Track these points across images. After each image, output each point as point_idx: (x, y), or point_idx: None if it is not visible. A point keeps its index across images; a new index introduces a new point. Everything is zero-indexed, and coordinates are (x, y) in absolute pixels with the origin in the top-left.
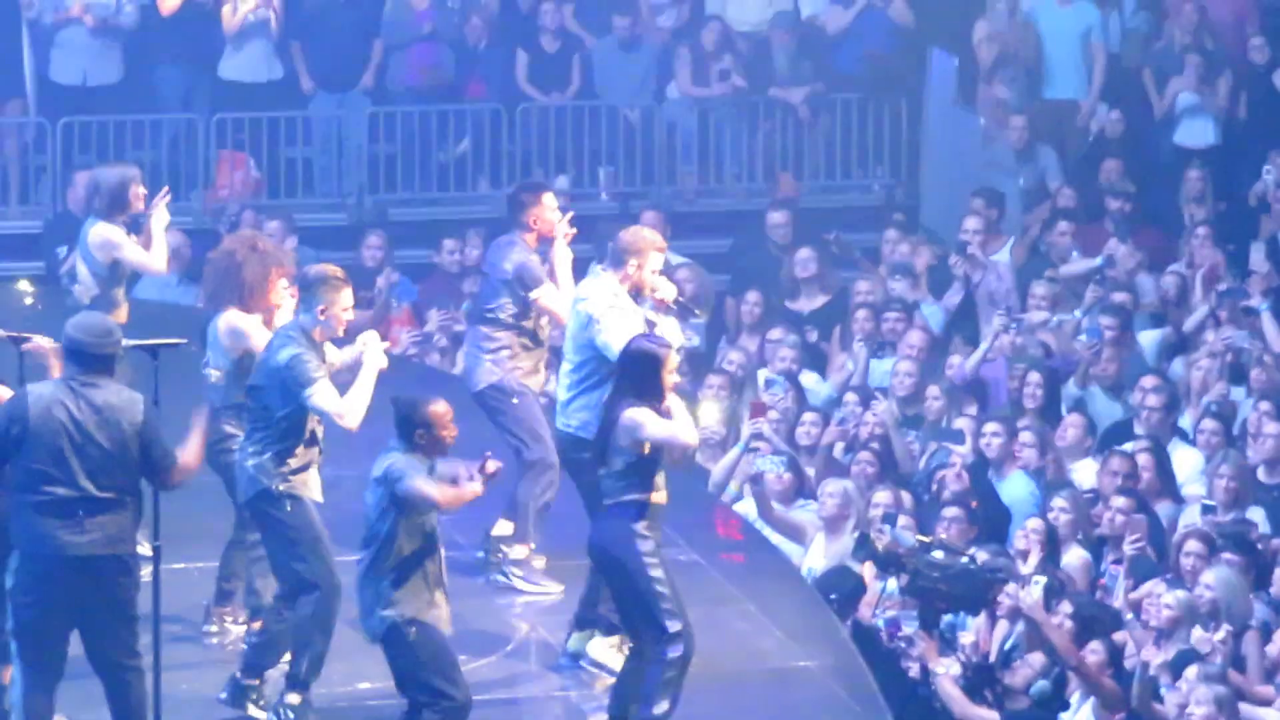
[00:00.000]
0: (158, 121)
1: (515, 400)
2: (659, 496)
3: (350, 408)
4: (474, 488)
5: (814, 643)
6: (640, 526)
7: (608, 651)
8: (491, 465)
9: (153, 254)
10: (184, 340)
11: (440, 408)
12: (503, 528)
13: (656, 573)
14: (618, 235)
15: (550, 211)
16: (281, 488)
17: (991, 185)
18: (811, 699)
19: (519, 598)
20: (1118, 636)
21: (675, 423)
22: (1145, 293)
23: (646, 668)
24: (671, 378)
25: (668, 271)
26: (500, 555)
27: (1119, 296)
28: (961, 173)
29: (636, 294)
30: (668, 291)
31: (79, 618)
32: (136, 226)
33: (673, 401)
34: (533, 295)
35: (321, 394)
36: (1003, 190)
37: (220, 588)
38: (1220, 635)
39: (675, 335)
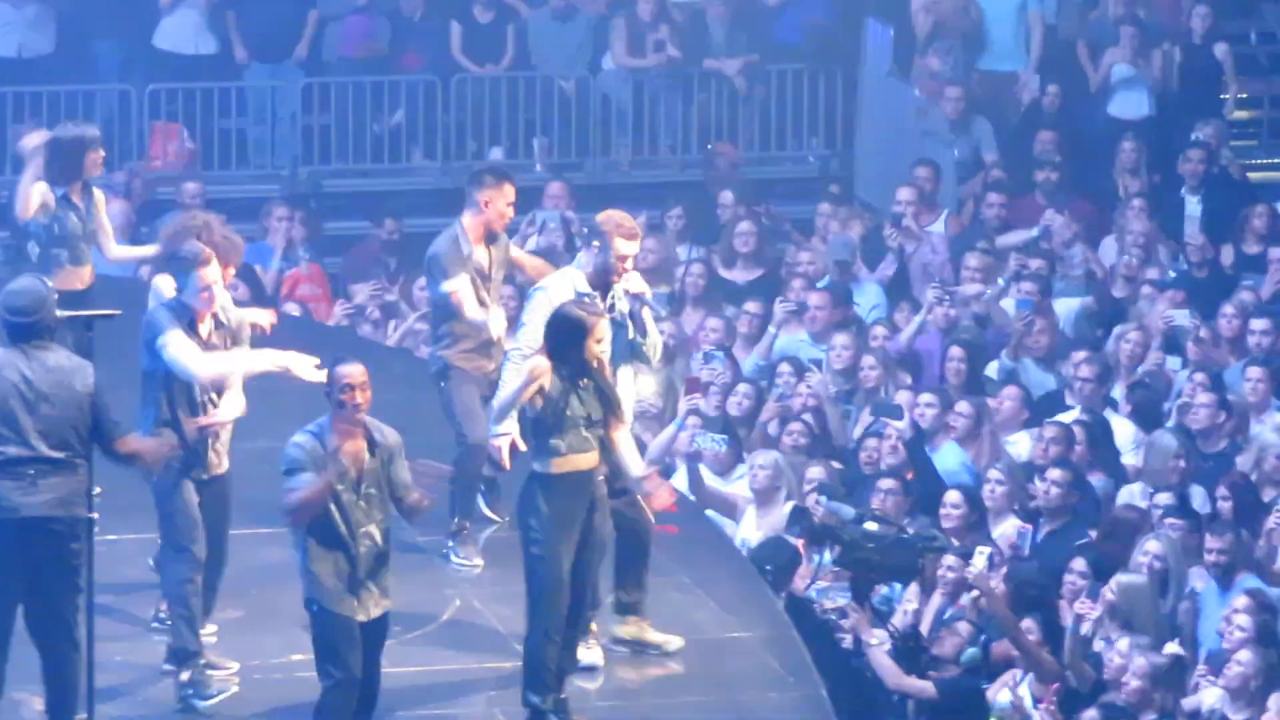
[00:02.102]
0: (91, 93)
1: (442, 384)
2: (564, 464)
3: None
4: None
5: (748, 614)
6: (540, 501)
7: (626, 629)
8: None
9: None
10: (118, 312)
11: (347, 369)
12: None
13: (536, 550)
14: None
15: (506, 203)
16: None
17: (927, 157)
18: (745, 670)
19: (450, 570)
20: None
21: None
22: (1075, 264)
23: (528, 642)
24: (597, 347)
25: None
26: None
27: (1036, 264)
28: (897, 144)
29: (605, 275)
30: (634, 285)
31: (27, 584)
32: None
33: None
34: (444, 288)
35: (175, 343)
36: (938, 162)
37: None
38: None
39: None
